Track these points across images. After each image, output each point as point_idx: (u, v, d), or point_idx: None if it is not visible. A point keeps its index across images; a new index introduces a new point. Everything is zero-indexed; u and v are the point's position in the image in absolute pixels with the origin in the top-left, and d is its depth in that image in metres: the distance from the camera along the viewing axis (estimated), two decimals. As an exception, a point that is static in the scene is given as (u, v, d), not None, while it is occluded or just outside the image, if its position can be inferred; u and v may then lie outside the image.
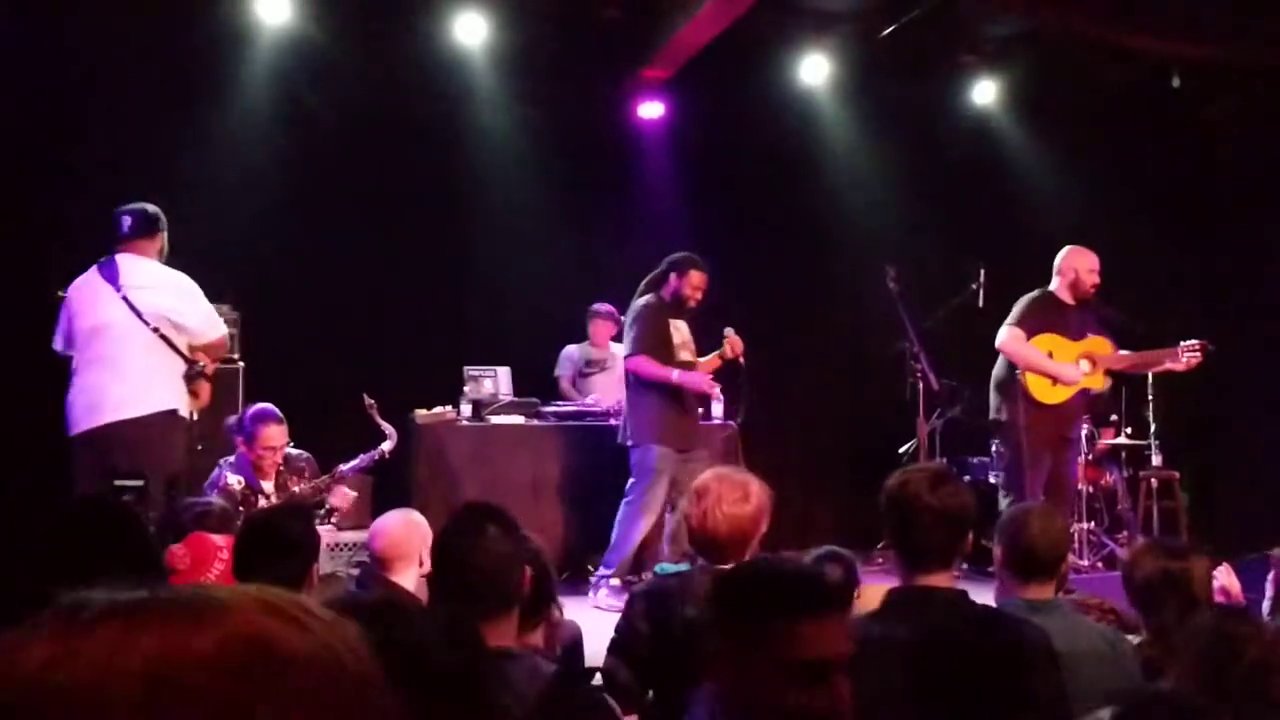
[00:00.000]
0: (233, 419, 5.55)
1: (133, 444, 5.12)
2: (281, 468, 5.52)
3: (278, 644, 0.66)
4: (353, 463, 5.70)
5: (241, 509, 5.16)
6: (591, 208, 8.41)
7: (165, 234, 5.48)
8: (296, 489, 5.57)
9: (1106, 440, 8.15)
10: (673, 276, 6.54)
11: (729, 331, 6.57)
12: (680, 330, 6.57)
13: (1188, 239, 9.10)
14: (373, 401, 5.87)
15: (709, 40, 7.85)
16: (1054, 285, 6.48)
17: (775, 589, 1.90)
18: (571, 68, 8.21)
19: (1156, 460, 7.84)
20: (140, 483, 4.53)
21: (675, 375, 6.37)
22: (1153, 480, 7.85)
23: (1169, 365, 6.52)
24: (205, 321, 5.40)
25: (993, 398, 6.50)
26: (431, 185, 7.96)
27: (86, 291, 5.32)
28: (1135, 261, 8.87)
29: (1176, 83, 8.63)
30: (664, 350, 6.43)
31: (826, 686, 1.81)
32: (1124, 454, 8.14)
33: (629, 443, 6.48)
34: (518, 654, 2.39)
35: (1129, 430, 8.09)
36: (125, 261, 5.31)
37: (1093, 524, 7.71)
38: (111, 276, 5.26)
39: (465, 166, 8.16)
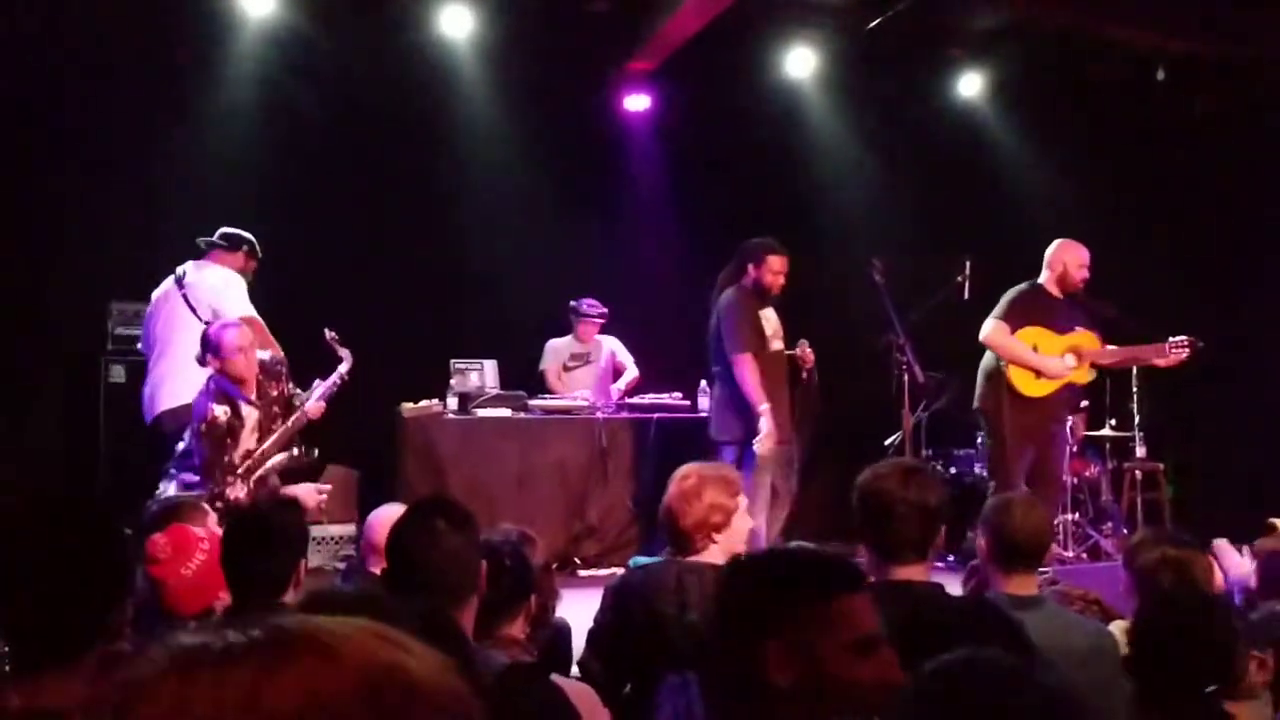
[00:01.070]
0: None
1: (183, 430, 5.48)
2: (260, 376, 5.41)
3: (407, 673, 0.68)
4: (316, 391, 5.63)
5: (230, 441, 5.18)
6: (578, 200, 8.40)
7: (250, 258, 6.11)
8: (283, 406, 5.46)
9: (1081, 430, 8.17)
10: (750, 267, 6.42)
11: (804, 343, 6.52)
12: (769, 320, 6.47)
13: (1172, 232, 9.12)
14: (335, 334, 5.75)
15: (695, 32, 7.84)
16: (1043, 278, 6.51)
17: (816, 572, 1.88)
18: (557, 60, 8.20)
19: (1141, 452, 7.86)
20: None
21: (763, 409, 6.13)
22: (1137, 472, 7.87)
23: (1155, 361, 6.53)
24: (234, 304, 5.85)
25: (978, 386, 6.53)
26: (417, 178, 7.95)
27: (161, 296, 6.03)
28: (1120, 254, 8.89)
29: (1161, 75, 8.64)
30: (759, 342, 6.33)
31: (883, 657, 1.81)
32: (1109, 446, 8.16)
33: (724, 438, 6.33)
34: (473, 647, 2.40)
35: (1113, 422, 8.11)
36: (193, 265, 6.00)
37: (1077, 515, 7.74)
38: (180, 279, 5.95)
39: (451, 159, 8.15)
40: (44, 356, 6.89)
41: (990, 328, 6.37)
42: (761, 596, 1.86)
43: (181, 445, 5.28)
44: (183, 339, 5.81)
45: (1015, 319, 6.36)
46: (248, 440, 5.31)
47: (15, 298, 6.60)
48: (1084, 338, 6.48)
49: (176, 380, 5.80)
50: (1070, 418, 7.70)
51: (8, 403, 6.77)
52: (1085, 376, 6.54)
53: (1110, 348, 6.53)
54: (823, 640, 1.79)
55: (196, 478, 5.13)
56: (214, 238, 6.12)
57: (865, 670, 1.78)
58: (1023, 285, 6.50)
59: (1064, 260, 6.46)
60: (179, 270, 6.05)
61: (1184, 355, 6.39)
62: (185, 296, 5.91)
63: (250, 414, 5.33)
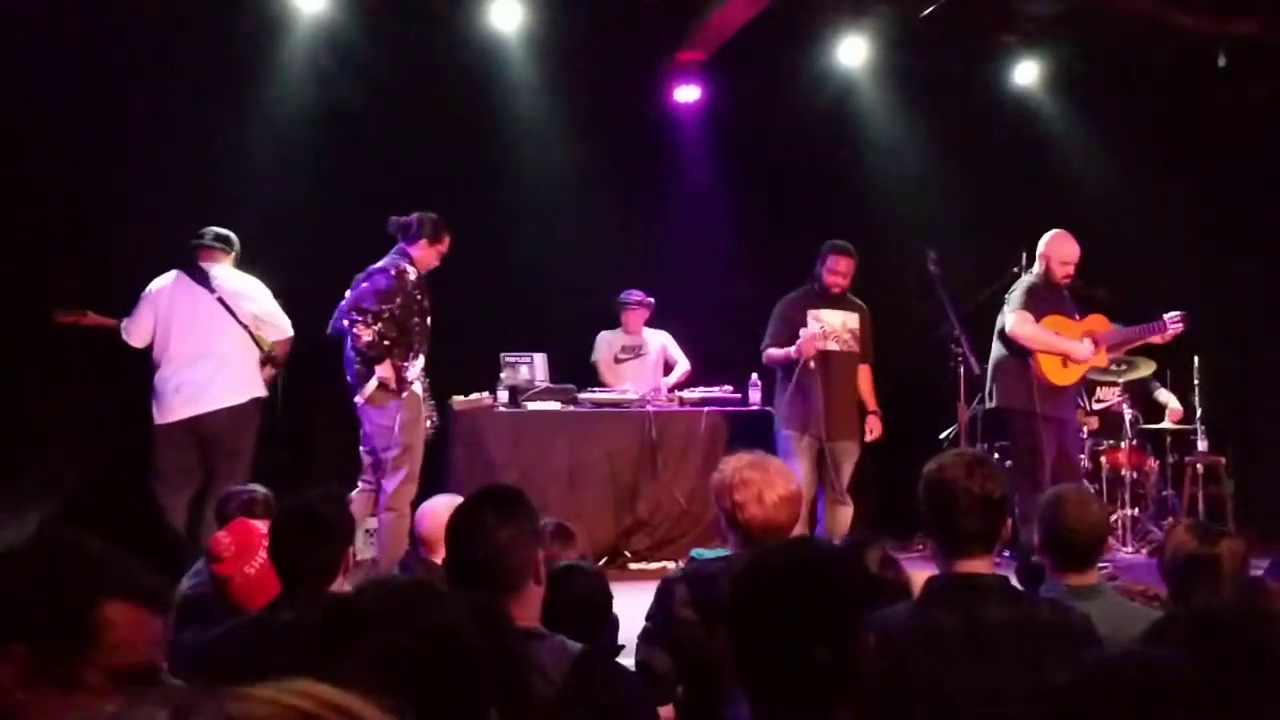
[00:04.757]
0: (405, 219, 6.13)
1: (235, 428, 6.00)
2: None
3: None
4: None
5: (410, 305, 5.88)
6: (628, 193, 8.38)
7: (237, 254, 6.28)
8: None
9: (1174, 422, 8.00)
10: (817, 263, 6.73)
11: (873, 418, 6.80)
12: (822, 319, 6.69)
13: (1233, 220, 8.94)
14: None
15: (745, 22, 7.78)
16: (1038, 269, 6.44)
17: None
18: (607, 52, 8.17)
19: (1202, 446, 7.73)
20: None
21: (793, 349, 6.59)
22: (1198, 465, 7.74)
23: (1153, 339, 6.58)
24: (283, 321, 6.27)
25: (994, 384, 6.43)
26: (467, 172, 7.95)
27: (179, 293, 6.09)
28: (1180, 243, 8.73)
29: (1222, 62, 8.47)
30: (788, 341, 6.66)
31: None
32: (1169, 439, 8.02)
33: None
34: (543, 634, 2.40)
35: (1173, 420, 7.98)
36: (212, 268, 6.14)
37: (1137, 511, 7.61)
38: (203, 281, 6.06)
39: (501, 153, 8.15)
40: (99, 348, 6.89)
41: (1015, 320, 6.31)
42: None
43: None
44: (228, 340, 6.04)
45: (1034, 309, 6.31)
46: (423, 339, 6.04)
47: (68, 290, 6.61)
48: (1095, 321, 6.45)
49: (227, 380, 6.02)
50: (1129, 411, 7.60)
51: (79, 389, 6.86)
52: (1103, 360, 6.53)
53: (1116, 329, 6.53)
54: None
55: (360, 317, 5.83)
56: (209, 239, 6.21)
57: None
58: (1028, 277, 6.50)
59: (1049, 254, 6.43)
60: (208, 270, 6.13)
61: (1179, 329, 6.43)
62: (224, 301, 6.05)
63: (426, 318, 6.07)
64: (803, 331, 6.58)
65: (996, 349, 6.45)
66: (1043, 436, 6.16)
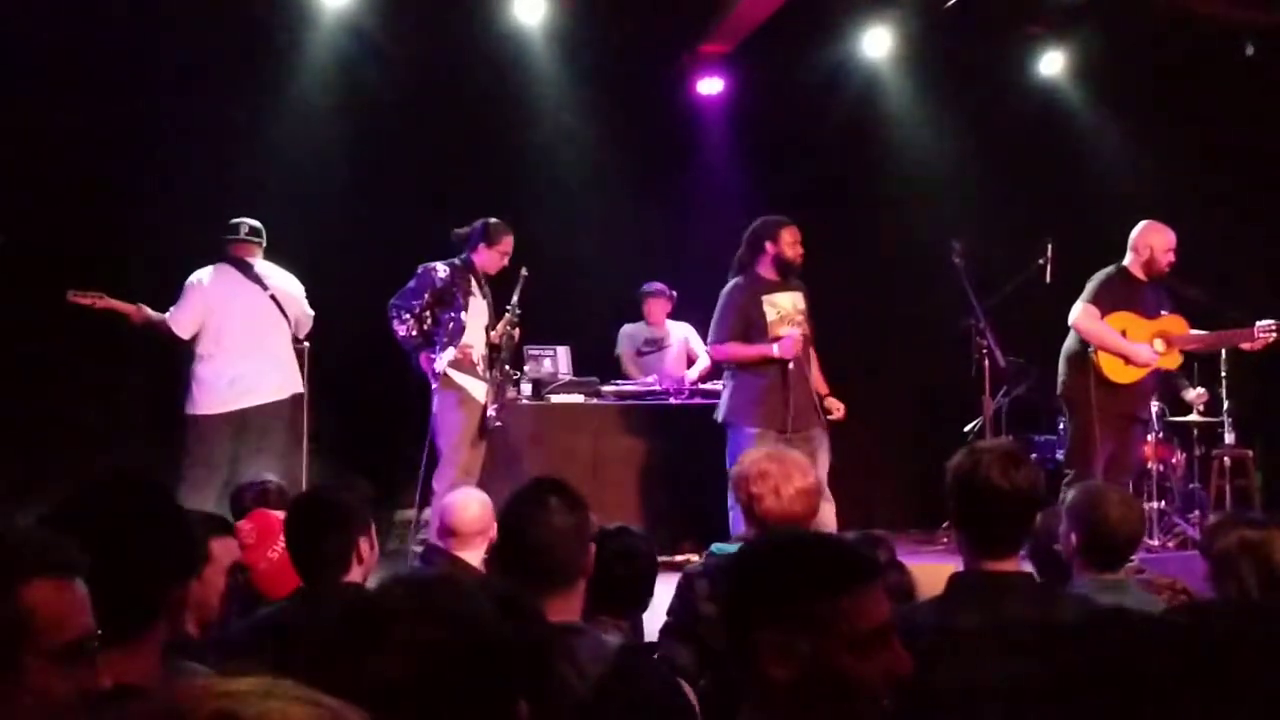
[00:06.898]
0: (465, 229, 6.37)
1: (277, 422, 6.19)
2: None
3: None
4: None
5: (440, 299, 6.16)
6: (651, 185, 8.37)
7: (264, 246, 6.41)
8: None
9: (1200, 406, 7.94)
10: (767, 245, 6.20)
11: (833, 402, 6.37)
12: (776, 304, 6.19)
13: (1261, 210, 8.86)
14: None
15: (769, 14, 7.76)
16: (1127, 261, 6.35)
17: (820, 566, 1.77)
18: (630, 45, 8.17)
19: (1230, 438, 7.66)
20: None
21: (773, 349, 6.05)
22: (1226, 459, 7.68)
23: (1241, 345, 6.40)
24: (309, 318, 6.44)
25: (1061, 371, 6.40)
26: (490, 164, 7.96)
27: (231, 287, 6.19)
28: (1207, 234, 8.65)
29: (1250, 50, 8.38)
30: (751, 332, 6.14)
31: (891, 649, 1.73)
32: (1196, 432, 7.96)
33: (720, 419, 6.25)
34: (582, 629, 2.37)
35: (1201, 407, 7.91)
36: (259, 264, 6.28)
37: (1163, 504, 7.56)
38: (254, 277, 6.19)
39: (524, 146, 8.16)
40: (121, 342, 6.92)
41: (1080, 311, 6.22)
42: (758, 589, 1.77)
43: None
44: (280, 339, 6.26)
45: (1105, 303, 6.21)
46: (473, 325, 6.25)
47: (88, 279, 6.64)
48: (1172, 322, 6.33)
49: (280, 374, 6.23)
50: (1155, 404, 7.54)
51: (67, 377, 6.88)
52: (1174, 362, 6.40)
53: (1198, 332, 6.37)
54: (824, 638, 1.70)
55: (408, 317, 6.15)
56: (245, 233, 6.26)
57: (872, 665, 1.71)
58: (1109, 269, 6.35)
59: (1150, 244, 6.29)
60: (254, 264, 6.21)
61: (1271, 338, 6.25)
62: (275, 299, 6.21)
63: (479, 304, 6.30)
64: (784, 331, 6.12)
65: (1068, 337, 6.38)
66: (1096, 431, 6.07)
